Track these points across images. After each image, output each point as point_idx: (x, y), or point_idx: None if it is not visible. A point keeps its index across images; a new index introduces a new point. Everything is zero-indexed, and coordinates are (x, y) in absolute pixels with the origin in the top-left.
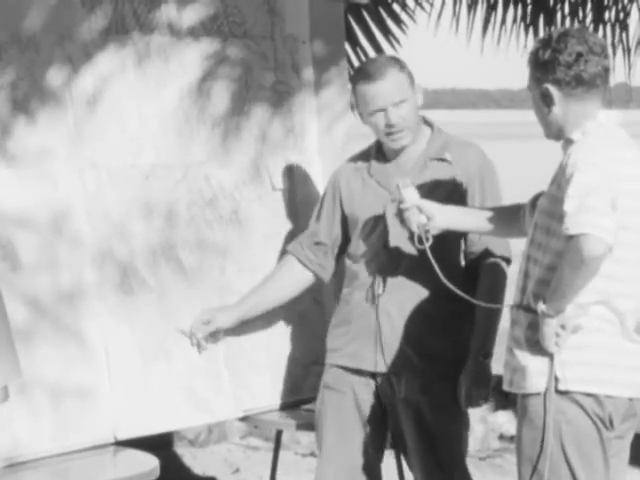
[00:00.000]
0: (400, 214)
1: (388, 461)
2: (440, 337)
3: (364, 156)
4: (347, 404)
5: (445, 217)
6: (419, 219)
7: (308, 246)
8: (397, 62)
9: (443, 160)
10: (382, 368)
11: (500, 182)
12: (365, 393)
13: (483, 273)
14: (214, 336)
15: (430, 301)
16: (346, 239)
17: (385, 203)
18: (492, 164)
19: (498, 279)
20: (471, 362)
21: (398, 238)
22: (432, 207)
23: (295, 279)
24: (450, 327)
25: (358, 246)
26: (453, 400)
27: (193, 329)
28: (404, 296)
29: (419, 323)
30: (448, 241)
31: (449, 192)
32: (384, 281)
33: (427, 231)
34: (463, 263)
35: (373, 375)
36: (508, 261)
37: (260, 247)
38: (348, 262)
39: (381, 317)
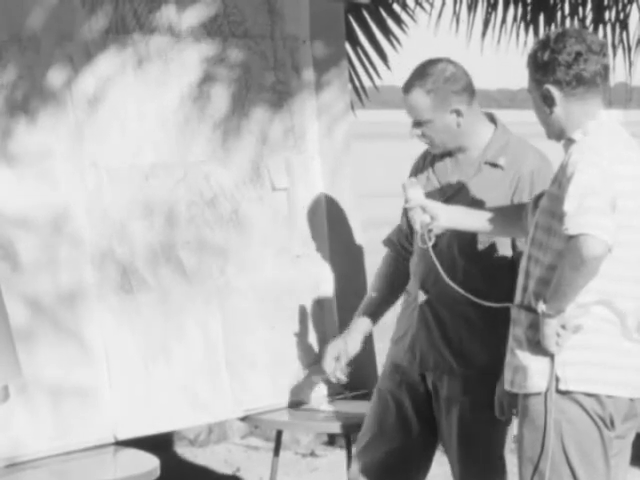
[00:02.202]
0: (405, 214)
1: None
2: (478, 342)
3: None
4: (394, 399)
5: (448, 217)
6: (423, 219)
7: (400, 240)
8: (427, 81)
9: (497, 165)
10: (424, 369)
11: None
12: (412, 390)
13: None
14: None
15: (470, 305)
16: None
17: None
18: (548, 171)
19: None
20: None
21: (441, 241)
22: (436, 207)
23: (404, 273)
24: (488, 332)
25: (414, 244)
26: (487, 404)
27: (329, 370)
28: (445, 299)
29: (457, 325)
30: (493, 242)
31: (499, 198)
32: (427, 283)
33: (430, 231)
34: (510, 265)
35: (421, 375)
36: None
37: (260, 247)
38: (410, 263)
39: (421, 318)
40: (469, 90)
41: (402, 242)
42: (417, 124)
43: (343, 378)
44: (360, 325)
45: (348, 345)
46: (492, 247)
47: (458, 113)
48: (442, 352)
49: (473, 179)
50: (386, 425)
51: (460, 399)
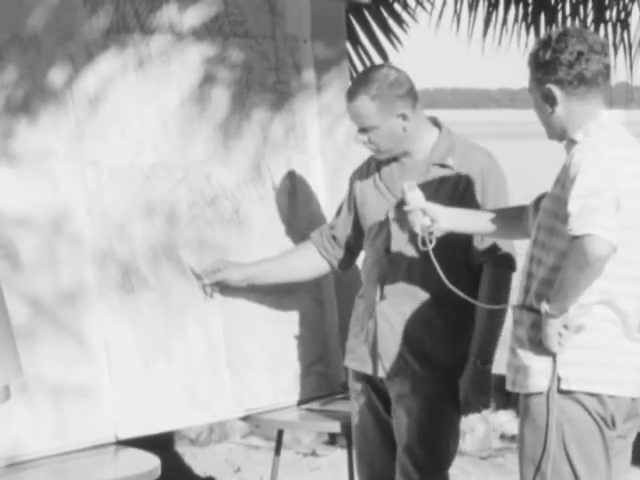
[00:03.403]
0: (404, 216)
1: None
2: (438, 342)
3: (377, 159)
4: (366, 407)
5: (449, 219)
6: (423, 221)
7: (327, 237)
8: (372, 87)
9: (445, 166)
10: (381, 373)
11: (506, 187)
12: (376, 396)
13: (485, 276)
14: (219, 287)
15: (429, 307)
16: (362, 238)
17: (389, 208)
18: (497, 169)
19: (500, 282)
20: (469, 367)
21: (400, 243)
22: (436, 209)
23: (310, 264)
24: (449, 332)
25: (365, 250)
26: (443, 404)
27: (202, 273)
28: (403, 301)
29: (417, 328)
30: (452, 244)
31: (450, 197)
32: (385, 286)
33: (431, 233)
34: (466, 269)
35: (381, 379)
36: (512, 264)
37: (261, 247)
38: (361, 267)
39: (380, 322)
40: (412, 94)
41: (325, 241)
42: (362, 130)
43: (207, 291)
44: (254, 270)
45: (233, 270)
46: (450, 246)
47: (404, 117)
48: (405, 356)
49: (423, 180)
50: (370, 434)
51: (409, 397)
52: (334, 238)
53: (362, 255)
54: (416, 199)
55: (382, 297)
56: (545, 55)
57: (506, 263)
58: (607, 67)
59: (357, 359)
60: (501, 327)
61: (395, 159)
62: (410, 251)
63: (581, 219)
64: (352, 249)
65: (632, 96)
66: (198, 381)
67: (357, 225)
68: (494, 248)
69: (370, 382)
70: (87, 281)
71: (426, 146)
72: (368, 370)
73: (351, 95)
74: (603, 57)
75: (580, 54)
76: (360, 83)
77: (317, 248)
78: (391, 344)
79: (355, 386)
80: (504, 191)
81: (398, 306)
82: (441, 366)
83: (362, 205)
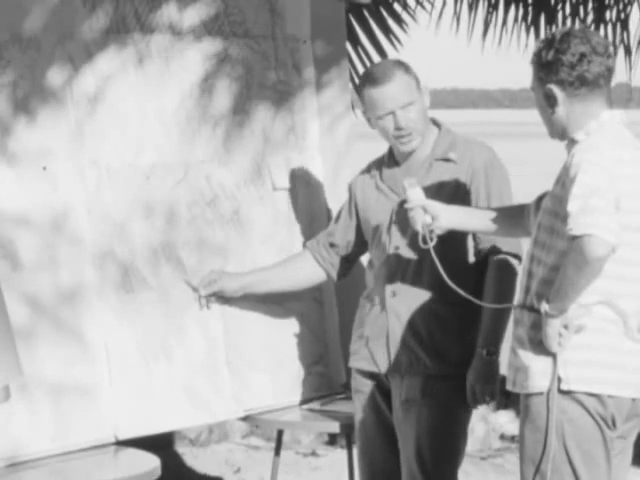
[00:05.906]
0: (405, 214)
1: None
2: (449, 336)
3: (378, 164)
4: (369, 406)
5: (450, 217)
6: (424, 219)
7: (324, 245)
8: (402, 65)
9: (448, 160)
10: (392, 369)
11: (509, 181)
12: (380, 395)
13: (491, 270)
14: (216, 299)
15: (438, 303)
16: (362, 245)
17: (393, 208)
18: (499, 162)
19: (506, 276)
20: (476, 358)
21: (404, 241)
22: (437, 207)
23: (306, 272)
24: (459, 327)
25: (371, 252)
26: (453, 403)
27: (198, 285)
28: (412, 299)
29: (427, 324)
30: (455, 240)
31: (454, 192)
32: (393, 285)
33: (431, 231)
34: (472, 261)
35: (387, 377)
36: (518, 257)
37: (261, 247)
38: (366, 268)
39: (390, 320)
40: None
41: (322, 248)
42: (399, 111)
43: (203, 302)
44: (250, 279)
45: (229, 279)
46: (453, 243)
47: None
48: (416, 351)
49: (426, 176)
50: (372, 433)
51: (419, 402)
52: (332, 245)
53: (365, 256)
54: (417, 196)
55: (393, 294)
56: (548, 55)
57: (511, 254)
58: (609, 69)
59: (363, 359)
60: (507, 319)
61: (397, 163)
62: (417, 248)
63: (581, 219)
64: (350, 256)
65: (631, 96)
66: (198, 381)
67: (359, 232)
68: (499, 239)
69: (375, 381)
70: (87, 281)
71: (428, 143)
72: (375, 368)
73: (381, 78)
74: (606, 59)
75: (582, 55)
76: (385, 67)
77: (313, 256)
78: (402, 340)
79: (358, 385)
80: (507, 185)
81: (408, 302)
82: (451, 361)
83: (365, 210)
